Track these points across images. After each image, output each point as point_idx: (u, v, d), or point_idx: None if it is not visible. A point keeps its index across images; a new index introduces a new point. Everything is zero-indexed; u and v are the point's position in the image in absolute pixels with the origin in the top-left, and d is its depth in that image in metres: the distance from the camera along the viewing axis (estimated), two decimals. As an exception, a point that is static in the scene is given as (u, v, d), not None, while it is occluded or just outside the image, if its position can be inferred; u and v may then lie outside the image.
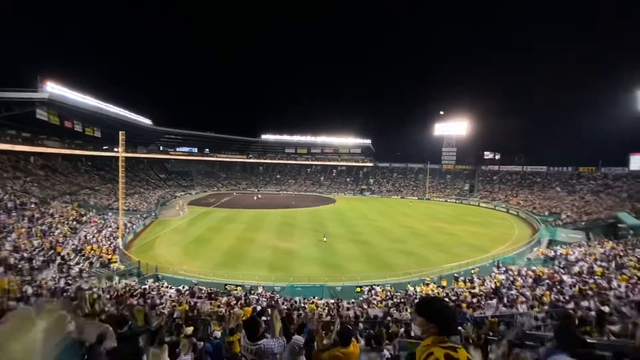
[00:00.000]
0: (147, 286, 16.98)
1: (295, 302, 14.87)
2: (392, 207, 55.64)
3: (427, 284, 18.98)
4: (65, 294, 13.19)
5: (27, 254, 20.14)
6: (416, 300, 14.06)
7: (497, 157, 75.70)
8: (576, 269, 17.90)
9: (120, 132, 29.02)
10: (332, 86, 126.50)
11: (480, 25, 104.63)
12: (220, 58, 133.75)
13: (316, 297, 17.00)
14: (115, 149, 45.62)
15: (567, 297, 11.75)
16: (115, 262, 22.86)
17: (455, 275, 20.67)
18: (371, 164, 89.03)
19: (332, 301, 15.68)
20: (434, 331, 1.63)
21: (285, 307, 12.77)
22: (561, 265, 20.12)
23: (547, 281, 15.84)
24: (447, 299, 13.80)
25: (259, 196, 61.38)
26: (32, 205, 28.63)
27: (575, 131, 65.88)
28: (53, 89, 38.55)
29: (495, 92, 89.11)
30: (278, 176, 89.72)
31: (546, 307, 10.24)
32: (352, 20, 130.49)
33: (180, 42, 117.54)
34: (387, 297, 16.08)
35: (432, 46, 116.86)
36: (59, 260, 20.88)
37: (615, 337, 4.99)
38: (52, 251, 22.13)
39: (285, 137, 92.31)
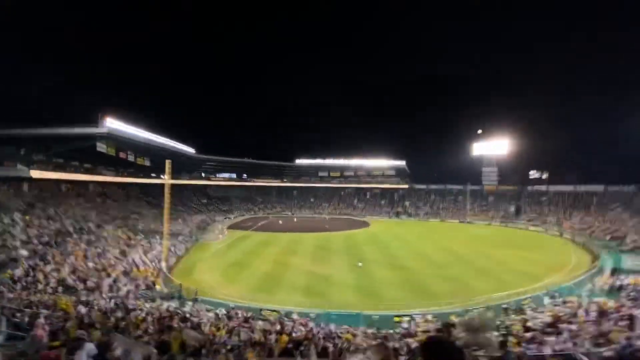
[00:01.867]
0: (187, 309, 17.55)
1: (331, 330, 14.48)
2: (431, 231, 53.33)
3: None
4: (114, 314, 14.02)
5: (82, 275, 21.85)
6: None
7: (545, 176, 70.64)
8: (650, 301, 15.71)
9: (166, 160, 31.33)
10: (364, 107, 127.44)
11: (519, 35, 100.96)
12: (259, 84, 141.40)
13: (352, 326, 16.43)
14: (162, 176, 49.11)
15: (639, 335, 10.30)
16: (159, 284, 23.97)
17: (504, 306, 19.01)
18: (407, 186, 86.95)
19: (370, 331, 15.06)
20: None
21: (321, 335, 12.48)
22: (630, 297, 17.78)
23: (614, 315, 14.04)
24: (495, 333, 12.70)
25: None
26: (89, 230, 31.31)
27: (635, 144, 59.59)
28: (112, 124, 43.03)
29: (538, 104, 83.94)
30: (312, 199, 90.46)
31: (614, 346, 9.03)
32: (382, 39, 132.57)
33: (218, 71, 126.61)
34: (426, 330, 15.11)
35: (467, 63, 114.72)
36: (109, 281, 22.36)
37: None
38: (103, 272, 23.83)
39: (319, 161, 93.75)
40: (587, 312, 15.66)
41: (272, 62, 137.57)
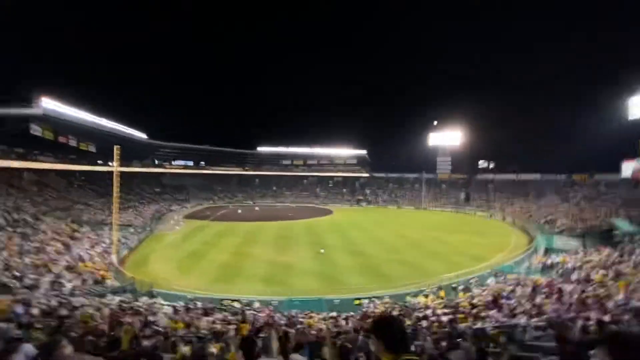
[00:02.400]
0: (140, 303, 16.63)
1: (293, 316, 14.63)
2: (389, 218, 55.61)
3: (427, 295, 18.81)
4: (57, 312, 12.87)
5: (18, 272, 19.71)
6: (415, 313, 13.82)
7: (492, 165, 76.53)
8: (574, 276, 17.90)
9: (115, 146, 28.95)
10: (326, 97, 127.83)
11: (471, 34, 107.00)
12: (216, 69, 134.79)
13: (314, 311, 16.75)
14: (110, 164, 45.45)
15: (566, 306, 11.72)
16: (109, 278, 22.44)
17: (454, 285, 20.54)
18: (367, 175, 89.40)
19: (333, 314, 15.46)
20: (382, 349, 1.68)
21: (284, 323, 12.57)
22: (559, 274, 20.13)
23: (545, 290, 15.80)
24: (445, 310, 13.70)
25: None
26: (24, 222, 28.20)
27: (567, 139, 66.75)
28: (48, 104, 38.60)
29: (487, 100, 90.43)
30: (274, 188, 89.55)
31: (545, 317, 10.18)
32: (347, 28, 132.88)
33: (175, 52, 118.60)
34: (386, 310, 15.89)
35: (424, 55, 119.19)
36: (51, 277, 20.44)
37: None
38: (44, 269, 21.71)
39: (281, 149, 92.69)
40: (523, 287, 17.46)
41: (236, 45, 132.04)
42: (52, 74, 62.50)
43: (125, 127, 62.22)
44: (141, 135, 71.04)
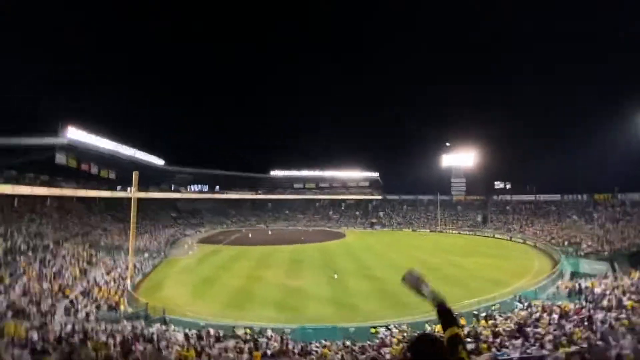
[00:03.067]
0: (153, 330, 16.49)
1: (307, 345, 14.16)
2: (404, 241, 54.36)
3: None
4: (71, 338, 12.88)
5: (36, 297, 20.02)
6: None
7: (508, 186, 74.78)
8: (604, 302, 16.81)
9: (133, 172, 29.91)
10: (338, 119, 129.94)
11: (484, 55, 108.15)
12: (229, 95, 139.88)
13: (327, 340, 16.17)
14: (128, 189, 46.76)
15: (598, 335, 10.94)
16: (123, 304, 22.46)
17: (475, 312, 19.57)
18: (380, 197, 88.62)
19: (348, 344, 14.87)
20: None
21: (297, 352, 12.18)
22: (588, 299, 18.95)
23: (575, 317, 14.85)
24: (467, 339, 12.97)
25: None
26: (45, 247, 28.94)
27: (587, 157, 64.95)
28: (73, 133, 40.61)
29: (502, 120, 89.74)
30: (287, 211, 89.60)
31: (576, 347, 9.50)
32: (360, 50, 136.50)
33: (190, 80, 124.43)
34: (404, 339, 15.18)
35: (436, 77, 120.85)
36: (66, 303, 20.64)
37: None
38: (60, 294, 21.99)
39: (294, 173, 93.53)
40: (549, 314, 16.47)
41: (249, 73, 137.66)
42: (77, 102, 66.44)
43: (144, 154, 64.41)
44: (158, 161, 73.23)
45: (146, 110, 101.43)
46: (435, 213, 73.37)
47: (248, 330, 17.62)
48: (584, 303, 18.07)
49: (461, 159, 78.86)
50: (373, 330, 17.88)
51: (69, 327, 16.34)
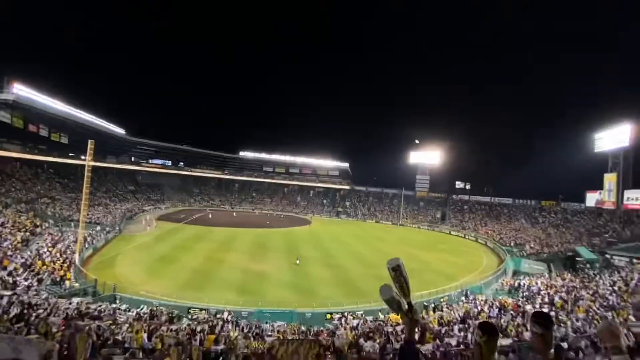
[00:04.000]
0: (102, 307, 15.73)
1: (262, 330, 14.27)
2: (367, 231, 55.97)
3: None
4: (6, 315, 11.92)
5: (-33, 267, 18.26)
6: (386, 329, 13.75)
7: (468, 187, 79.00)
8: (538, 300, 18.58)
9: (89, 140, 27.74)
10: (313, 107, 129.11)
11: (458, 57, 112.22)
12: (203, 67, 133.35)
13: (285, 323, 16.42)
14: (83, 157, 43.49)
15: (529, 328, 12.10)
16: (69, 279, 21.16)
17: (425, 303, 20.76)
18: (348, 187, 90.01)
19: (303, 329, 15.19)
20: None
21: (252, 335, 12.24)
22: (524, 296, 20.83)
23: (511, 311, 16.27)
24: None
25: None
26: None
27: (538, 166, 70.45)
28: (20, 90, 36.68)
29: (466, 124, 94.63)
30: (254, 194, 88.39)
31: (509, 340, 10.43)
32: (337, 42, 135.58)
33: (160, 46, 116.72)
34: (357, 325, 15.80)
35: (410, 75, 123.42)
36: (3, 274, 19.04)
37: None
38: (-3, 265, 20.22)
39: (264, 156, 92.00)
40: (490, 308, 17.89)
41: (229, 47, 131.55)
42: (28, 59, 59.94)
43: (103, 121, 59.93)
44: (119, 130, 68.62)
45: (112, 78, 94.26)
46: (399, 207, 76.06)
47: (203, 312, 17.41)
48: (520, 299, 19.84)
49: (428, 156, 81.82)
50: (328, 316, 18.42)
51: (5, 300, 15.15)
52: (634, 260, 27.73)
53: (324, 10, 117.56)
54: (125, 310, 16.09)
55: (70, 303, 16.22)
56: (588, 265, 30.08)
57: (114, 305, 17.05)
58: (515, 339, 10.77)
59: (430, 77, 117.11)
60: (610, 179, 45.61)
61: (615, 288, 18.55)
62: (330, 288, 23.87)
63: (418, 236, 55.07)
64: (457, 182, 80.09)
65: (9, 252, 22.09)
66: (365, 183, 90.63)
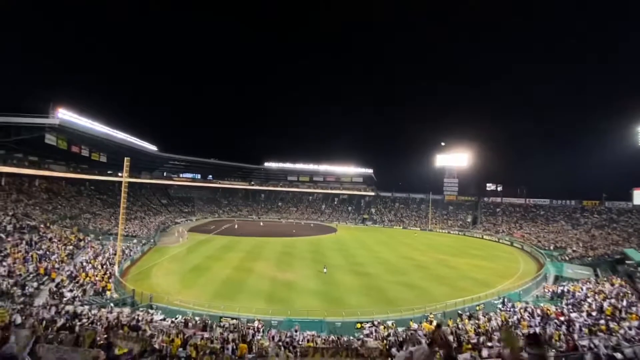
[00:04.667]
0: (139, 316, 16.42)
1: (293, 339, 14.27)
2: (394, 238, 54.84)
3: (431, 321, 18.22)
4: (55, 323, 12.75)
5: (20, 279, 19.78)
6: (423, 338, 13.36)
7: (500, 189, 75.58)
8: (585, 307, 17.24)
9: (125, 157, 29.47)
10: (335, 114, 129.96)
11: (479, 59, 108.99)
12: (229, 85, 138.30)
13: (314, 332, 16.32)
14: (120, 174, 46.12)
15: (576, 338, 11.23)
16: (110, 290, 22.33)
17: (459, 312, 19.91)
18: (373, 193, 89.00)
19: (333, 337, 15.03)
20: None
21: (282, 344, 12.27)
22: (569, 303, 19.41)
23: (555, 320, 15.21)
24: (450, 338, 13.19)
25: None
26: (31, 229, 28.50)
27: (577, 164, 66.32)
28: (64, 115, 39.72)
29: (496, 123, 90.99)
30: (280, 204, 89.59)
31: (554, 351, 9.74)
32: (358, 48, 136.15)
33: (190, 66, 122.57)
34: (388, 335, 15.39)
35: (435, 77, 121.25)
36: (52, 286, 20.44)
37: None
38: (46, 277, 21.77)
39: (288, 165, 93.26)
40: (532, 316, 16.84)
41: (249, 63, 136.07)
42: (70, 83, 65.12)
43: (137, 139, 63.41)
44: (152, 147, 72.26)
45: (144, 97, 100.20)
46: (427, 212, 74.02)
47: (235, 321, 17.68)
48: (564, 306, 18.51)
49: (455, 159, 79.34)
50: (358, 325, 18.10)
51: (53, 310, 16.22)
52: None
53: (344, 20, 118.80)
54: (161, 320, 16.68)
55: (110, 312, 17.09)
56: (639, 269, 27.63)
57: (150, 315, 17.73)
58: (561, 349, 10.06)
59: (457, 78, 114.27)
60: (660, 175, 41.99)
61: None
62: (359, 296, 23.50)
63: (448, 241, 53.17)
64: (487, 184, 76.92)
65: (57, 265, 23.71)
66: (391, 189, 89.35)
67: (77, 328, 11.25)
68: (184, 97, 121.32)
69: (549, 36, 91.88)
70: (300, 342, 13.29)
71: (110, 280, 23.72)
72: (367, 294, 24.06)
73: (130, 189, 40.11)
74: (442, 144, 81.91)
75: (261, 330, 16.46)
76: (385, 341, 14.13)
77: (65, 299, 19.22)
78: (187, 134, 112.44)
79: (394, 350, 11.19)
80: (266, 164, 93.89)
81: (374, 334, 16.11)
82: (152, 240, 40.72)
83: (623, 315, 14.49)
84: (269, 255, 36.36)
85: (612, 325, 12.61)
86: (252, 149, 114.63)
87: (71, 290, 20.82)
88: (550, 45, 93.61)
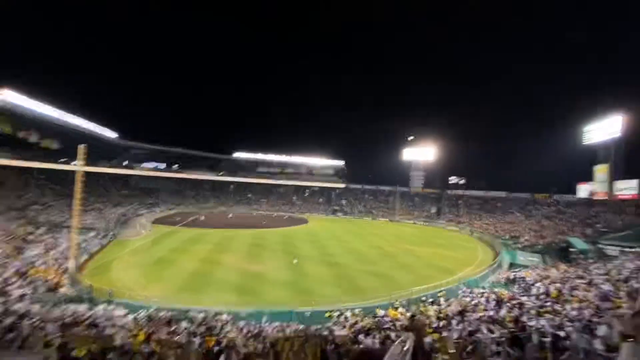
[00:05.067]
0: (98, 313, 15.57)
1: (261, 330, 14.25)
2: (364, 228, 56.16)
3: (396, 308, 18.97)
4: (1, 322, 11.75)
5: (-41, 277, 17.94)
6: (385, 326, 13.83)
7: (462, 182, 79.62)
8: (534, 290, 18.78)
9: (80, 144, 27.36)
10: (306, 107, 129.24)
11: (441, 59, 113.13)
12: (197, 70, 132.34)
13: (284, 323, 16.40)
14: (74, 163, 42.86)
15: (525, 319, 12.23)
16: (64, 286, 20.91)
17: (423, 298, 20.89)
18: (343, 185, 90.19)
19: (301, 327, 15.19)
20: None
21: (251, 334, 12.22)
22: (521, 288, 21.06)
23: (507, 303, 16.43)
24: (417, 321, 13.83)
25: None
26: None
27: (532, 160, 71.52)
28: (9, 96, 36.06)
29: (460, 119, 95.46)
30: (249, 195, 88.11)
31: (506, 331, 10.54)
32: (330, 41, 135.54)
33: (154, 48, 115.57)
34: (355, 323, 15.84)
35: (403, 71, 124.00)
36: (-3, 284, 18.74)
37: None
38: (-11, 274, 19.90)
39: (259, 156, 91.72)
40: (488, 301, 18.05)
41: (221, 46, 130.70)
42: (18, 64, 59.06)
43: (95, 125, 59.25)
44: (111, 134, 67.88)
45: (104, 81, 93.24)
46: (394, 203, 76.41)
47: (202, 314, 17.31)
48: (516, 291, 20.06)
49: (422, 153, 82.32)
50: (328, 314, 18.43)
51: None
52: (627, 249, 28.19)
53: (311, 11, 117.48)
54: (122, 316, 15.94)
55: (65, 310, 16.04)
56: (581, 256, 30.52)
57: (110, 310, 16.88)
58: (513, 330, 10.88)
59: (424, 75, 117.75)
60: (601, 171, 46.31)
61: (609, 277, 18.84)
62: (329, 286, 23.91)
63: (414, 231, 55.40)
64: (451, 178, 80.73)
65: (2, 261, 21.75)
66: (361, 181, 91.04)
67: (24, 329, 10.46)
68: (149, 81, 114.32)
69: (506, 34, 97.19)
70: (269, 332, 13.31)
71: (64, 276, 22.20)
72: (337, 284, 24.53)
73: (87, 179, 37.33)
74: (410, 138, 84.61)
75: (229, 322, 16.27)
76: (352, 328, 14.54)
77: (12, 297, 17.73)
78: (152, 122, 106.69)
79: (360, 336, 11.55)
80: (236, 155, 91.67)
81: (342, 321, 16.51)
82: (111, 233, 38.51)
83: (567, 298, 15.98)
84: (238, 247, 35.82)
85: (557, 307, 13.86)
86: (221, 138, 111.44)
87: (20, 287, 19.24)
88: (506, 44, 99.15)
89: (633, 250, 24.74)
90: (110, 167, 69.55)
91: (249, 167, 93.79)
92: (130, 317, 15.68)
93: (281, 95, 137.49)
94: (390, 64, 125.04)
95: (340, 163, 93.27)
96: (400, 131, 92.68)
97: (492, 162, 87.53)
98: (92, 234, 35.23)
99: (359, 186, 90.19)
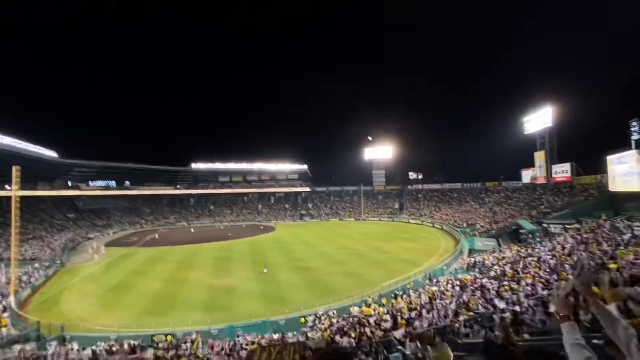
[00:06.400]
0: (50, 352, 14.00)
1: (235, 345, 13.75)
2: (332, 230, 56.63)
3: (369, 305, 19.31)
4: None
5: None
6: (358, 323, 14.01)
7: (420, 176, 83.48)
8: (492, 272, 20.16)
9: (13, 167, 24.61)
10: (266, 110, 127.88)
11: (394, 56, 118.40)
12: (144, 77, 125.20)
13: (258, 335, 15.97)
14: (8, 187, 38.33)
15: (487, 300, 13.08)
16: (5, 325, 18.55)
17: (395, 293, 21.49)
18: (309, 189, 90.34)
19: (276, 336, 14.89)
20: None
21: (225, 351, 11.74)
22: (480, 271, 22.49)
23: (470, 287, 17.45)
24: (387, 317, 14.19)
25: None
26: None
27: (480, 151, 76.87)
28: None
29: (413, 117, 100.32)
30: (212, 207, 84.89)
31: (471, 313, 11.18)
32: (286, 44, 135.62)
33: (94, 55, 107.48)
34: (330, 325, 15.87)
35: (359, 74, 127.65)
36: None
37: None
38: None
39: (218, 165, 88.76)
40: (452, 287, 19.02)
41: (168, 50, 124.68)
42: None
43: (29, 145, 53.58)
44: (50, 153, 61.85)
45: (35, 95, 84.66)
46: (359, 202, 78.05)
47: (169, 337, 16.30)
48: (477, 274, 21.38)
49: (381, 152, 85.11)
50: (302, 320, 18.27)
51: None
52: (567, 226, 31.29)
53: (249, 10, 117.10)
54: (78, 350, 14.49)
55: (6, 353, 14.24)
56: (530, 236, 33.34)
57: (64, 348, 15.27)
58: (477, 312, 11.56)
59: (374, 76, 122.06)
60: (539, 157, 51.03)
61: (554, 253, 20.77)
62: (301, 292, 23.72)
63: (380, 228, 56.97)
64: (410, 173, 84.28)
65: None
66: (325, 183, 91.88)
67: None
68: (90, 96, 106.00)
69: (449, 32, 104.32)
70: (244, 347, 12.87)
71: (4, 315, 19.70)
72: (309, 288, 24.41)
73: (24, 204, 33.54)
74: (369, 138, 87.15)
75: (200, 342, 15.49)
76: (328, 330, 14.54)
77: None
78: (97, 137, 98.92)
79: (337, 337, 11.59)
80: (194, 165, 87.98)
81: (317, 325, 16.44)
82: (58, 262, 34.94)
83: (520, 275, 17.33)
84: (203, 262, 34.29)
85: (513, 285, 14.97)
86: (175, 148, 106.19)
87: (-53, 335, 16.74)
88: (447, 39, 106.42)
89: (572, 226, 27.46)
90: (51, 189, 63.30)
91: (209, 178, 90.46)
92: (88, 351, 14.35)
93: (238, 102, 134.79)
94: (344, 65, 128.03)
95: (304, 167, 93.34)
96: (360, 131, 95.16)
97: (446, 156, 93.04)
98: (35, 265, 31.70)
99: (324, 188, 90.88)
